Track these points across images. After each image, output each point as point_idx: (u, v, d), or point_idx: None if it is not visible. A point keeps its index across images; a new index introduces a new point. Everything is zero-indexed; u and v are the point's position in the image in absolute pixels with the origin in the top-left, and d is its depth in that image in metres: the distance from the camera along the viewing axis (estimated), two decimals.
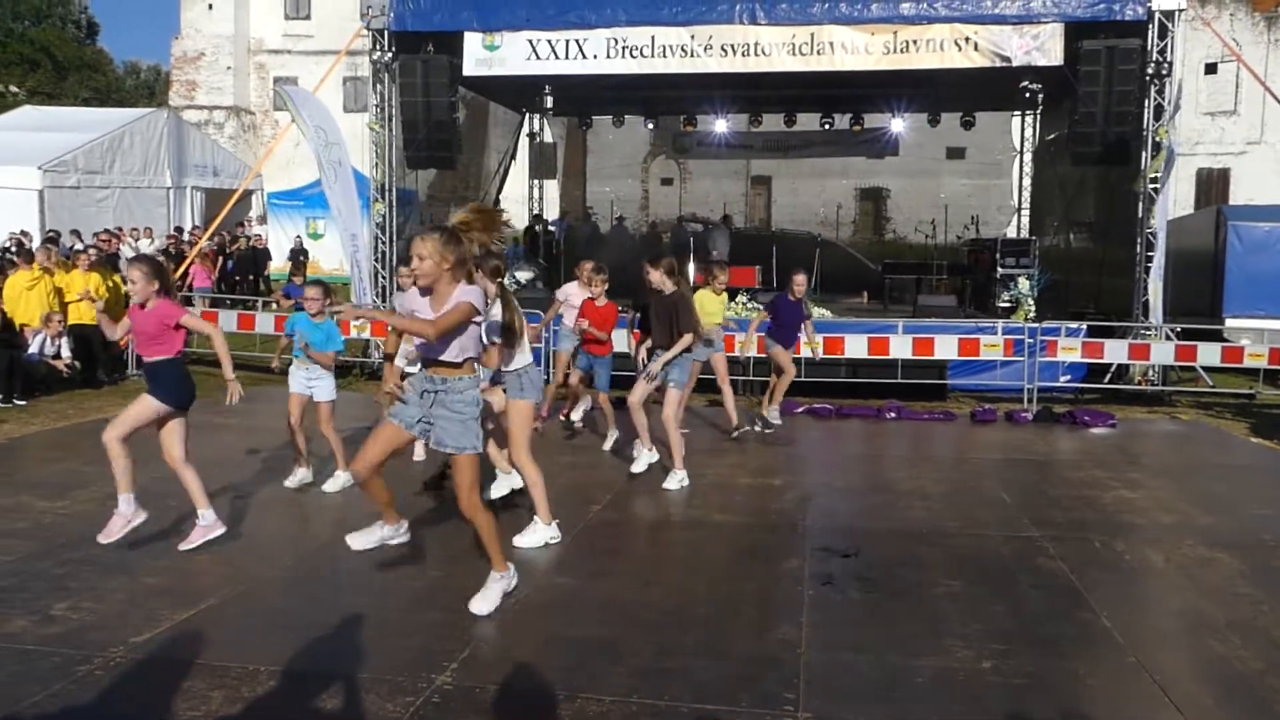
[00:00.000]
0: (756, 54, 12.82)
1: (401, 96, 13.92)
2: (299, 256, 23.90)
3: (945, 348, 12.34)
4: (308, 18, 35.87)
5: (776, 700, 4.27)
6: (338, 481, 7.70)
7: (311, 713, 4.15)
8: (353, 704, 4.18)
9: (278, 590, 5.71)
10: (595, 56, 13.19)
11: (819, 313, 13.80)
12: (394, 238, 14.18)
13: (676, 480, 8.02)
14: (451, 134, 14.17)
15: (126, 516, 6.13)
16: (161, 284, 6.09)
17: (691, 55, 12.96)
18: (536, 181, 21.57)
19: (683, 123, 20.03)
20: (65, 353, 12.22)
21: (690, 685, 4.39)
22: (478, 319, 4.91)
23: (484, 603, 5.22)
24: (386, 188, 14.20)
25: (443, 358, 4.92)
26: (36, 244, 16.99)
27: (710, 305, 9.51)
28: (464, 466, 5.01)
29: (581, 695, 4.26)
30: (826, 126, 19.48)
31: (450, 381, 4.95)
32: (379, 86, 14.12)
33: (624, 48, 13.08)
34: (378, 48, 13.89)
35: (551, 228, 21.20)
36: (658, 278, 7.94)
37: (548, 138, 21.41)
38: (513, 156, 19.42)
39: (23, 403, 11.16)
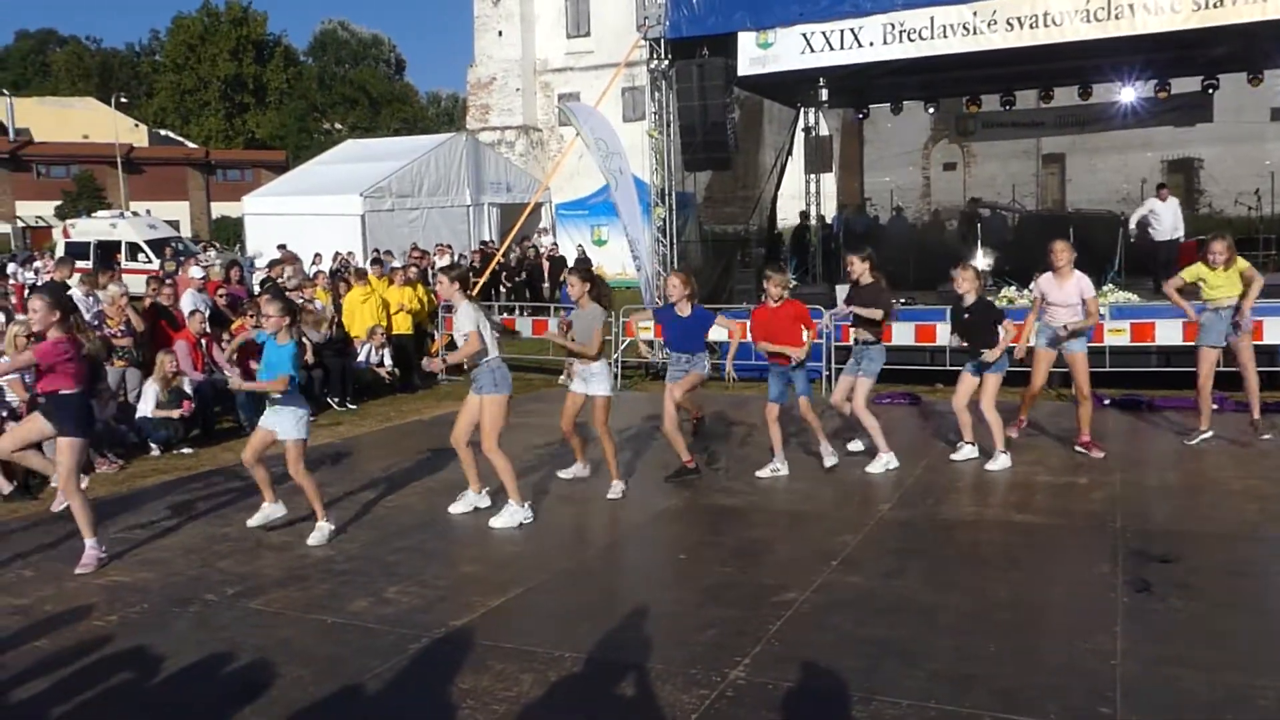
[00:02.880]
0: (1046, 24, 12.04)
1: (679, 102, 14.20)
2: (582, 263, 25.04)
3: (1279, 331, 11.05)
4: (587, 34, 37.47)
5: (1090, 714, 3.99)
6: (320, 534, 6.74)
7: (613, 700, 4.33)
8: (651, 694, 4.32)
9: (579, 581, 6.00)
10: (871, 44, 12.87)
11: (1124, 297, 12.80)
12: (674, 241, 14.50)
13: (882, 464, 8.21)
14: (727, 135, 14.30)
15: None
16: (63, 315, 6.18)
17: (974, 33, 12.36)
18: (813, 176, 21.36)
19: (966, 104, 19.14)
20: (387, 361, 13.45)
21: (993, 692, 4.20)
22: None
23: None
24: (666, 192, 14.56)
25: None
26: (358, 263, 18.84)
27: (1213, 280, 8.71)
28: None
29: (877, 697, 4.18)
30: (1127, 97, 17.96)
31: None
32: (656, 94, 14.49)
33: (901, 32, 12.68)
34: (654, 56, 14.27)
35: (830, 221, 20.94)
36: (859, 269, 8.33)
37: (823, 131, 21.13)
38: (789, 152, 19.34)
39: (354, 406, 12.40)
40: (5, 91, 52.72)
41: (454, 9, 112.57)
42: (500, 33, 38.50)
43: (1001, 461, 8.13)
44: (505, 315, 15.81)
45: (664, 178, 14.53)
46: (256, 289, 15.66)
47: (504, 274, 20.91)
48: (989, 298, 8.65)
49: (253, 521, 6.99)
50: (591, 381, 7.73)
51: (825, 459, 8.28)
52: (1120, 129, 21.03)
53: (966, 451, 8.50)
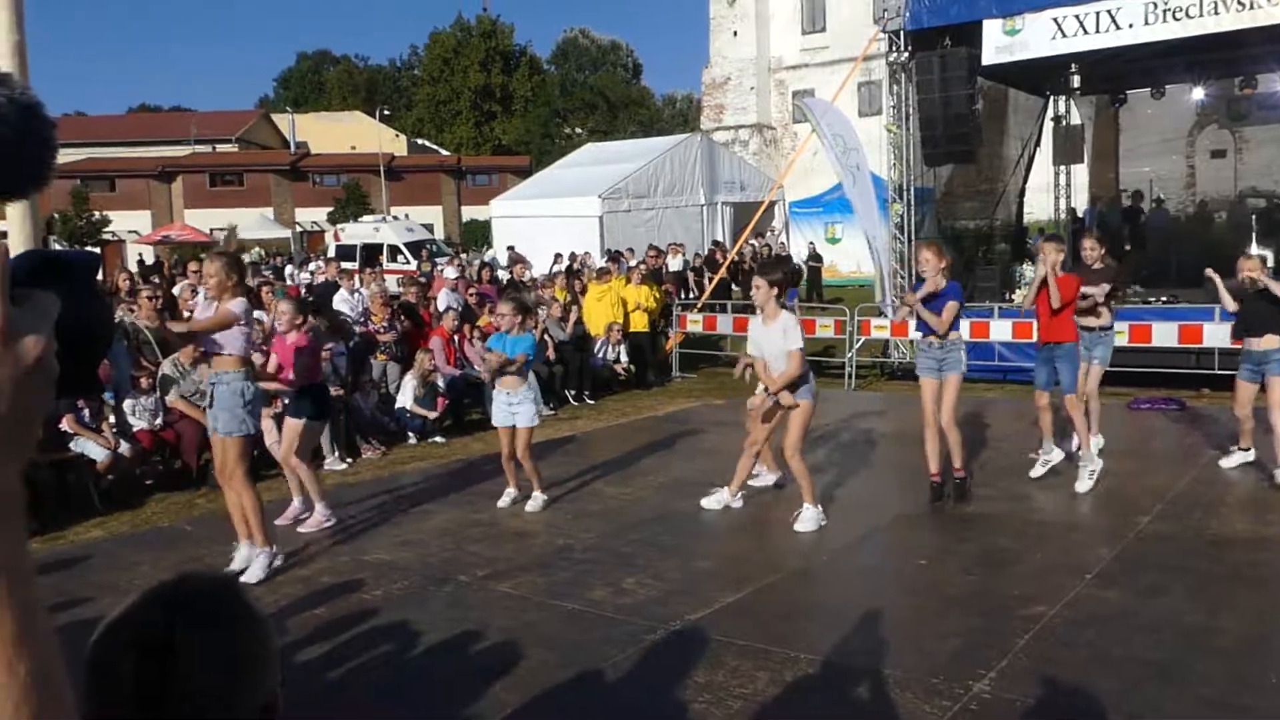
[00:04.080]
0: None
1: (918, 94, 13.75)
2: (810, 262, 24.70)
3: None
4: (823, 30, 36.98)
5: None
6: (537, 502, 7.47)
7: (850, 705, 4.25)
8: (889, 701, 4.21)
9: (814, 582, 5.95)
10: (1130, 26, 11.99)
11: None
12: (911, 237, 14.08)
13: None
14: (970, 127, 13.71)
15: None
16: (304, 319, 7.25)
17: (1251, 8, 11.26)
18: (1062, 167, 20.16)
19: (1239, 86, 17.51)
20: (623, 358, 13.79)
21: None
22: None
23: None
24: (904, 187, 14.17)
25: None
26: (593, 262, 19.42)
27: None
28: None
29: None
30: None
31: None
32: (895, 87, 14.12)
33: (1165, 11, 11.74)
34: (894, 49, 13.91)
35: (1081, 215, 19.72)
36: (1094, 255, 8.11)
37: (1074, 119, 19.90)
38: (1036, 143, 18.35)
39: (591, 401, 12.80)
40: (289, 109, 57.97)
41: (689, 11, 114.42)
42: (735, 33, 38.63)
43: None
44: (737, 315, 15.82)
45: (902, 173, 14.15)
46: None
47: (740, 272, 20.92)
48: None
49: (502, 503, 7.61)
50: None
51: (1082, 476, 7.40)
52: None
53: (1238, 458, 7.76)
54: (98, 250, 33.88)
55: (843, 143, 14.10)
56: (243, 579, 5.93)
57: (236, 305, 5.99)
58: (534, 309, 7.81)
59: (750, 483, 7.96)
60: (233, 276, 6.06)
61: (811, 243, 26.39)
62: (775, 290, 6.76)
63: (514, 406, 7.40)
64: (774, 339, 6.71)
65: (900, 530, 6.96)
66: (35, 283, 0.69)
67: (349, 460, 9.51)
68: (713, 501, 7.30)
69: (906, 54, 13.77)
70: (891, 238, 14.30)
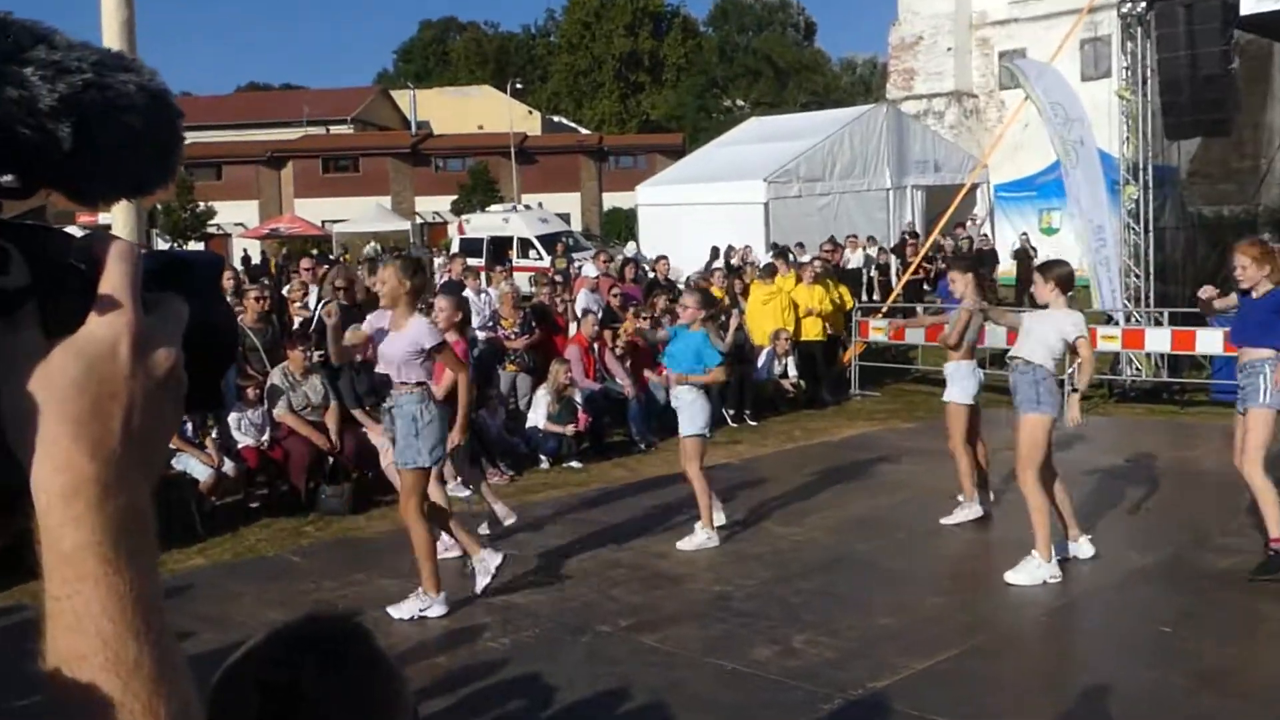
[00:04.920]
0: None
1: (1158, 53, 13.30)
2: (1024, 257, 23.97)
3: None
4: None
5: None
6: (695, 540, 7.55)
7: None
8: None
9: (1027, 647, 5.78)
10: None
11: None
12: (1148, 227, 13.55)
13: None
14: (1226, 91, 13.18)
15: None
16: (464, 319, 6.90)
17: None
18: None
19: None
20: (792, 371, 13.68)
21: None
22: None
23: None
24: (1140, 166, 13.65)
25: None
26: (755, 257, 19.37)
27: None
28: None
29: None
30: None
31: None
32: (1129, 44, 13.69)
33: None
34: None
35: None
36: None
37: None
38: None
39: (753, 423, 12.73)
40: (409, 84, 60.19)
41: None
42: None
43: None
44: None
45: (1137, 148, 13.67)
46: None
47: (935, 270, 20.54)
48: None
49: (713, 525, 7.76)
50: (950, 384, 7.86)
51: None
52: None
53: None
54: (203, 246, 35.84)
55: (1063, 112, 13.70)
56: (390, 611, 6.17)
57: (428, 335, 6.17)
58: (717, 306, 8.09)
59: (944, 520, 7.85)
60: (406, 282, 6.13)
61: (1024, 234, 25.63)
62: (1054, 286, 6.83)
63: (676, 402, 7.77)
64: (1046, 327, 6.74)
65: (1136, 588, 6.67)
66: (158, 286, 0.71)
67: (472, 486, 9.71)
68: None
69: (1144, 3, 13.33)
70: (1124, 227, 13.78)
